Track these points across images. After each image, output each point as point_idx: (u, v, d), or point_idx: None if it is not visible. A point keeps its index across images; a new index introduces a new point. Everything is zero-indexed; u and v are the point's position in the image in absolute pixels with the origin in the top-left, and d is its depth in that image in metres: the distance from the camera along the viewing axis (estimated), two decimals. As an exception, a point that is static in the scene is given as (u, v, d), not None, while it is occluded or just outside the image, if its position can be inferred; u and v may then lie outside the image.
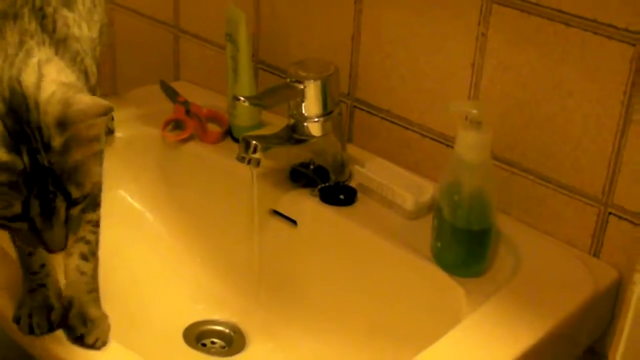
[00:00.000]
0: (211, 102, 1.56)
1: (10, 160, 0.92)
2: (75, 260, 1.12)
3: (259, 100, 1.31)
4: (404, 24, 1.32)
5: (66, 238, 0.98)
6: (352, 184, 1.35)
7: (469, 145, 1.14)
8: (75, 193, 0.95)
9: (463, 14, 1.25)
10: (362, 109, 1.42)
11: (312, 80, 1.28)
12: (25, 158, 0.93)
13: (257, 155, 1.26)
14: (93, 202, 1.13)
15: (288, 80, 1.29)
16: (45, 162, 0.93)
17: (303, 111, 1.30)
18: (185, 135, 1.49)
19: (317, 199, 1.33)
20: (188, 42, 1.68)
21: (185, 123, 1.51)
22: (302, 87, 1.28)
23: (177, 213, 1.49)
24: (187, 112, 1.52)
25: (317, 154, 1.34)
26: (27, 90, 0.96)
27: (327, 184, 1.34)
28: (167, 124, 1.52)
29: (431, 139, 1.34)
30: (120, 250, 1.37)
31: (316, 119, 1.30)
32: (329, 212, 1.31)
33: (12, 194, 0.92)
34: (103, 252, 1.15)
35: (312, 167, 1.36)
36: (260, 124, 1.47)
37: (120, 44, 1.82)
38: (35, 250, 1.11)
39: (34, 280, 1.11)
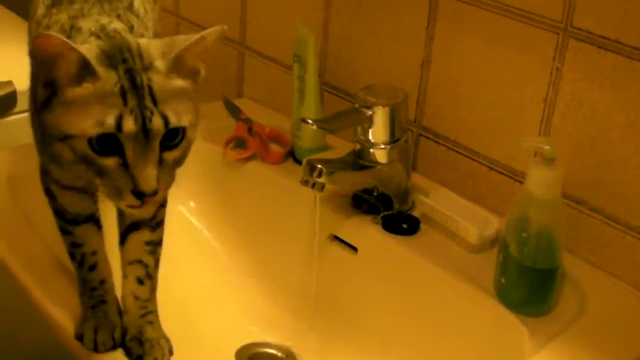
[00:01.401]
0: (274, 122, 1.55)
1: (105, 73, 0.92)
2: (130, 285, 1.11)
3: (326, 124, 1.29)
4: (476, 53, 1.30)
5: (158, 181, 0.93)
6: (415, 213, 1.33)
7: (540, 182, 1.11)
8: (172, 118, 0.93)
9: (538, 47, 1.22)
10: (428, 138, 1.40)
11: (380, 107, 1.26)
12: (122, 74, 0.92)
13: (321, 180, 1.24)
14: (155, 220, 1.11)
15: (356, 105, 1.28)
16: (145, 81, 0.93)
17: (370, 137, 1.28)
18: (247, 154, 1.48)
19: (379, 227, 1.31)
20: (253, 60, 1.67)
21: (247, 142, 1.50)
22: (370, 112, 1.26)
23: (235, 232, 1.47)
24: (250, 130, 1.51)
25: (381, 181, 1.32)
26: (127, 36, 0.99)
27: (390, 212, 1.32)
28: (229, 141, 1.51)
29: (498, 171, 1.32)
30: (176, 267, 1.35)
31: (383, 146, 1.28)
32: (390, 241, 1.29)
33: (107, 106, 0.91)
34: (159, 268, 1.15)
35: (375, 194, 1.34)
36: (324, 147, 1.46)
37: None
38: (95, 265, 1.10)
39: (94, 296, 1.11)
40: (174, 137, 0.95)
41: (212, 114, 1.58)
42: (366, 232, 1.32)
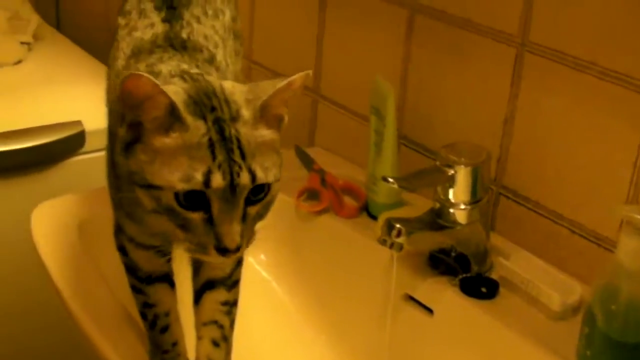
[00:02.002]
0: (347, 173, 1.52)
1: (193, 122, 0.89)
2: (206, 347, 1.08)
3: (407, 183, 1.25)
4: (562, 112, 1.26)
5: (241, 238, 0.91)
6: (494, 276, 1.28)
7: (632, 252, 1.06)
8: (259, 174, 0.90)
9: (628, 109, 1.17)
10: (509, 197, 1.36)
11: (463, 166, 1.22)
12: (210, 124, 0.89)
13: (400, 240, 1.20)
14: (232, 279, 1.08)
15: (438, 163, 1.24)
16: (232, 131, 0.90)
17: (450, 197, 1.24)
18: (320, 207, 1.44)
19: (456, 289, 1.27)
20: (326, 108, 1.64)
21: (320, 194, 1.46)
22: (452, 172, 1.22)
23: (305, 286, 1.44)
24: (323, 181, 1.48)
25: (460, 242, 1.28)
26: (210, 79, 0.96)
27: (468, 274, 1.27)
28: (301, 193, 1.48)
29: (581, 236, 1.27)
30: (243, 320, 1.32)
31: (463, 206, 1.24)
32: (468, 305, 1.25)
33: (195, 159, 0.88)
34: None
35: (453, 254, 1.30)
36: (400, 203, 1.42)
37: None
38: (168, 326, 1.07)
39: (166, 359, 1.07)
40: (259, 192, 0.92)
41: (283, 163, 1.54)
42: (443, 294, 1.27)
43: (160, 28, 1.09)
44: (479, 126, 1.37)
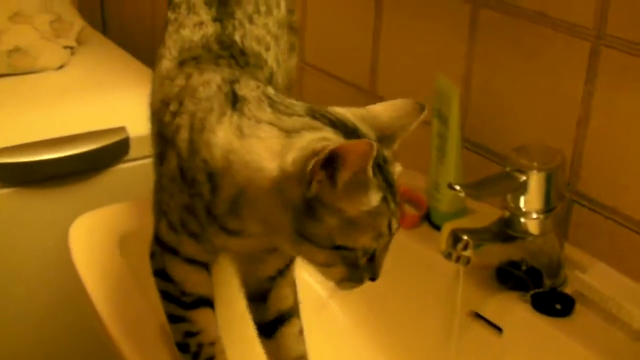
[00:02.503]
0: (408, 180, 1.42)
1: (374, 181, 0.87)
2: None
3: (475, 191, 1.15)
4: (642, 112, 1.15)
5: None
6: (569, 290, 1.18)
7: None
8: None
9: None
10: (584, 205, 1.25)
11: (535, 171, 1.13)
12: (379, 173, 0.89)
13: (467, 253, 1.11)
14: (297, 305, 1.10)
15: (508, 168, 1.14)
16: (389, 175, 0.90)
17: (521, 205, 1.14)
18: None
19: (528, 306, 1.17)
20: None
21: None
22: (523, 178, 1.13)
23: (363, 303, 1.34)
24: None
25: (531, 254, 1.18)
26: (334, 110, 0.93)
27: (540, 290, 1.18)
28: None
29: (665, 246, 1.16)
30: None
31: (536, 215, 1.14)
32: (541, 323, 1.15)
33: (379, 214, 0.88)
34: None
35: (524, 267, 1.20)
36: (464, 211, 1.33)
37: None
38: (213, 358, 1.01)
39: None
40: None
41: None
42: (513, 311, 1.18)
43: (210, 28, 1.01)
44: (551, 128, 1.27)
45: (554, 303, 1.16)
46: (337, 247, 0.87)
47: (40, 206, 1.75)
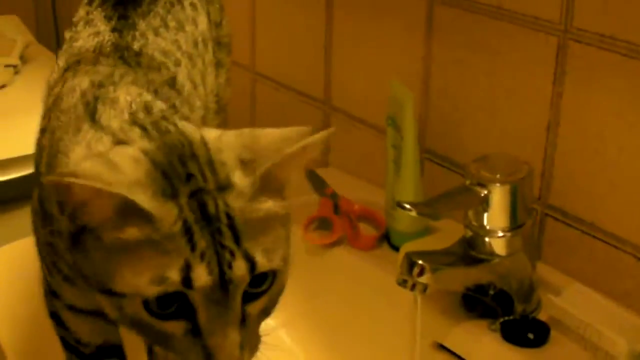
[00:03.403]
0: (365, 197, 1.32)
1: (158, 207, 0.66)
2: None
3: (429, 209, 1.04)
4: (617, 114, 1.04)
5: (242, 349, 0.69)
6: (543, 316, 1.07)
7: None
8: (260, 260, 0.69)
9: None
10: (557, 219, 1.14)
11: (498, 184, 1.01)
12: (185, 203, 0.67)
13: (423, 279, 0.99)
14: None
15: (467, 182, 1.02)
16: (221, 208, 0.68)
17: (485, 223, 1.02)
18: (332, 238, 1.24)
19: (497, 335, 1.05)
20: (341, 122, 1.43)
21: (332, 222, 1.26)
22: (485, 192, 1.01)
23: (317, 333, 1.22)
24: (336, 208, 1.27)
25: (499, 277, 1.06)
26: (186, 128, 0.72)
27: (511, 317, 1.06)
28: (310, 222, 1.27)
29: (650, 263, 1.05)
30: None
31: (502, 234, 1.02)
32: (512, 354, 1.03)
33: (167, 251, 0.66)
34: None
35: (491, 292, 1.07)
36: (425, 230, 1.22)
37: (261, 120, 1.58)
38: None
39: None
40: (261, 283, 0.71)
41: (291, 188, 1.34)
42: (480, 341, 1.06)
43: (107, 36, 0.88)
44: (517, 135, 1.16)
45: (526, 331, 1.05)
46: (109, 292, 0.68)
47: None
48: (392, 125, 1.19)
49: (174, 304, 0.67)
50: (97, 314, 0.83)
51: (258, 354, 0.75)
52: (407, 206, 1.01)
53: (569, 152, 1.11)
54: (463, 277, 1.07)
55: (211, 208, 0.67)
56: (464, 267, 1.04)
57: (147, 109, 0.76)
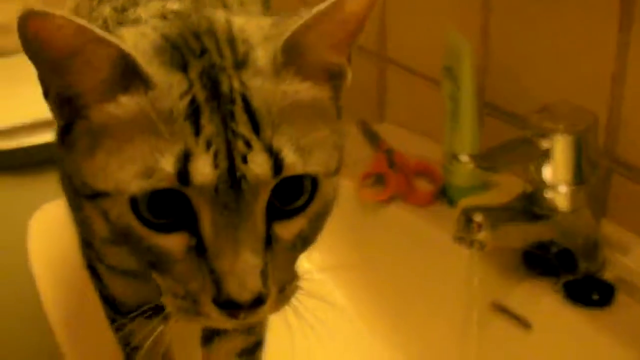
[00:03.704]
0: (421, 151, 1.29)
1: (164, 77, 0.56)
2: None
3: (487, 162, 1.00)
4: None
5: (264, 280, 0.56)
6: (608, 276, 1.03)
7: None
8: (289, 157, 0.56)
9: None
10: (623, 174, 1.09)
11: (561, 135, 0.97)
12: (196, 76, 0.57)
13: (481, 236, 0.96)
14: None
15: (529, 133, 0.98)
16: (236, 87, 0.56)
17: (547, 176, 0.99)
18: (387, 194, 1.21)
19: (559, 296, 1.02)
20: (397, 75, 1.40)
21: (387, 178, 1.23)
22: (547, 144, 0.97)
23: (371, 292, 1.21)
24: (391, 164, 1.25)
25: (562, 234, 1.02)
26: (209, 12, 0.62)
27: (574, 276, 1.03)
28: (365, 178, 1.25)
29: None
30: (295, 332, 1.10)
31: (565, 188, 0.99)
32: (575, 316, 1.00)
33: (163, 134, 0.54)
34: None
35: (553, 250, 1.04)
36: (484, 185, 1.18)
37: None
38: None
39: None
40: (296, 194, 0.59)
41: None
42: (542, 302, 1.04)
43: None
44: (581, 86, 1.11)
45: (590, 292, 1.02)
46: (93, 195, 0.56)
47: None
48: (448, 76, 1.15)
49: (170, 209, 0.56)
50: (130, 273, 0.77)
51: (293, 300, 0.63)
52: (465, 158, 0.98)
53: (636, 103, 1.06)
54: (523, 234, 1.04)
55: (225, 87, 0.56)
56: (524, 223, 1.01)
57: (169, 12, 0.67)
